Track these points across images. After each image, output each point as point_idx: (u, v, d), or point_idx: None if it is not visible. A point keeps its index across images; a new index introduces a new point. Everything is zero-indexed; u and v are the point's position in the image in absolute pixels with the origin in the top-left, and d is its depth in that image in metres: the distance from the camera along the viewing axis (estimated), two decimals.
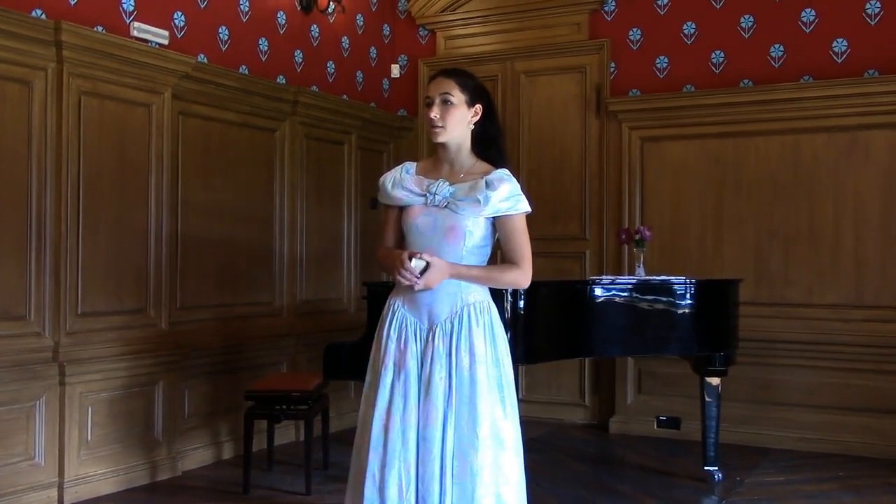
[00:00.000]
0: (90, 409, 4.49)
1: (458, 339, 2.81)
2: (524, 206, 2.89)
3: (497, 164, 2.94)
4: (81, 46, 4.41)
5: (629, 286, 4.63)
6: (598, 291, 4.55)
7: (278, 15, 6.00)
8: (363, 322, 4.45)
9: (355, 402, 6.38)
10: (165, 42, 5.05)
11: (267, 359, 5.64)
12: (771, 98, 5.81)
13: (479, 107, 2.93)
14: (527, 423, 6.28)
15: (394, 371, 2.84)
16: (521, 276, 2.91)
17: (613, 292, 4.58)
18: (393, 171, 3.04)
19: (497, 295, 3.87)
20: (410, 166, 3.02)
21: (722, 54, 6.08)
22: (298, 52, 6.21)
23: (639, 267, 5.08)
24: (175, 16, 5.19)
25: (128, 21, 4.88)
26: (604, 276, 5.25)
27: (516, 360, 4.18)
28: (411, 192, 2.93)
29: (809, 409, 5.65)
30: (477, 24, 6.91)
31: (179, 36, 5.22)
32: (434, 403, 2.78)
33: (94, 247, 4.53)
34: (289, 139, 5.92)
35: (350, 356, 4.08)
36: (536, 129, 6.70)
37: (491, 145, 2.97)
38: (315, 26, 6.35)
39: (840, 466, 5.19)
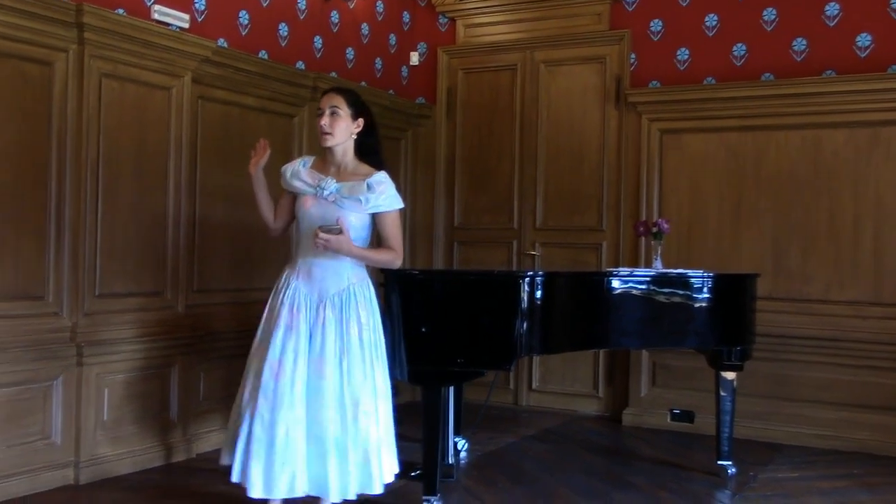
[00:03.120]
0: (106, 391, 4.52)
1: (348, 311, 3.50)
2: (398, 204, 3.59)
3: (377, 168, 3.59)
4: (103, 29, 4.42)
5: (647, 279, 4.62)
6: (615, 283, 4.53)
7: (298, 1, 5.99)
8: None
9: None
10: (186, 26, 5.06)
11: None
12: (792, 92, 5.77)
13: (361, 120, 3.61)
14: (540, 414, 6.41)
15: (285, 331, 3.48)
16: (395, 258, 3.63)
17: (631, 284, 4.56)
18: (293, 162, 3.71)
19: (515, 286, 3.93)
20: (308, 160, 3.69)
21: (744, 47, 6.03)
22: (318, 38, 6.20)
23: (656, 260, 5.06)
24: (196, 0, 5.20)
25: (149, 4, 4.88)
26: (621, 268, 5.24)
27: (532, 350, 4.24)
28: (305, 183, 3.59)
29: (825, 405, 5.63)
30: (497, 13, 6.88)
31: (200, 20, 5.22)
32: (328, 361, 3.45)
33: (112, 229, 4.55)
34: (307, 125, 5.92)
35: None
36: (555, 120, 6.68)
37: (370, 153, 3.64)
38: (335, 12, 6.34)
39: (855, 464, 5.17)
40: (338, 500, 3.49)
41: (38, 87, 4.25)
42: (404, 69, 7.14)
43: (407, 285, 4.20)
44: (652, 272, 4.74)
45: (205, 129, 5.15)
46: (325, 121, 3.55)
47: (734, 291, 4.83)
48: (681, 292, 4.67)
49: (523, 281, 4.09)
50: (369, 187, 3.51)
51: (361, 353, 3.51)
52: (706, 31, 6.15)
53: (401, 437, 5.49)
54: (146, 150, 4.74)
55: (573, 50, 6.61)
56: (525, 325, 4.05)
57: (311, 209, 3.57)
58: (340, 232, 3.40)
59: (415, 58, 7.17)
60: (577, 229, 6.58)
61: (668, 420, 6.06)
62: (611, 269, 4.94)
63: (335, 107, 3.56)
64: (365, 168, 3.61)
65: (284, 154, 5.76)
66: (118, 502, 4.08)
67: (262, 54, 5.68)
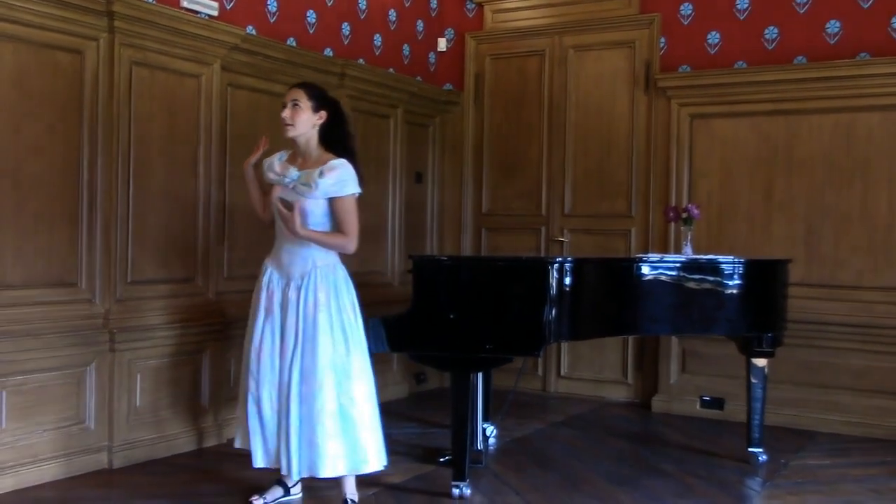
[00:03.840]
0: (139, 376, 4.57)
1: (306, 292, 3.69)
2: (351, 189, 3.70)
3: (342, 157, 3.72)
4: (133, 17, 4.44)
5: (677, 265, 4.58)
6: (645, 269, 4.50)
7: None
8: (408, 295, 4.46)
9: (398, 375, 6.46)
10: (215, 13, 5.08)
11: None
12: (826, 75, 5.68)
13: (323, 112, 3.76)
14: (569, 400, 6.40)
15: (264, 316, 3.78)
16: (347, 243, 3.74)
17: (660, 270, 4.54)
18: (273, 155, 3.87)
19: (544, 272, 3.92)
20: (283, 154, 3.87)
21: (776, 30, 5.95)
22: (346, 24, 6.20)
23: (686, 245, 5.02)
24: None
25: None
26: (651, 254, 5.21)
27: (560, 336, 4.23)
28: (275, 174, 3.79)
29: (858, 392, 5.56)
30: None
31: (228, 7, 5.23)
32: (287, 342, 3.70)
33: (143, 216, 4.59)
34: None
35: (394, 329, 4.09)
36: (583, 105, 6.63)
37: (338, 143, 3.78)
38: None
39: (889, 451, 5.11)
40: (293, 478, 3.84)
41: (70, 76, 4.29)
42: (432, 55, 7.13)
43: (435, 272, 4.21)
44: (682, 258, 4.71)
45: (234, 116, 5.18)
46: (286, 113, 3.74)
47: (765, 277, 4.78)
48: (711, 278, 4.63)
49: (552, 267, 4.07)
50: (321, 173, 3.67)
51: (315, 334, 3.67)
52: (737, 15, 6.07)
53: (429, 424, 5.56)
54: (176, 137, 4.77)
55: (602, 34, 6.56)
56: (554, 311, 4.04)
57: (275, 198, 3.77)
58: (291, 209, 3.63)
59: (442, 44, 7.15)
60: (606, 215, 6.54)
61: (698, 407, 6.03)
62: (640, 255, 4.90)
63: (295, 100, 3.74)
64: (328, 157, 3.76)
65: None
66: (151, 486, 4.13)
67: (291, 41, 5.69)
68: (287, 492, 3.95)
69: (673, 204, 6.01)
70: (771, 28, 5.96)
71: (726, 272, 4.64)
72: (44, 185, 4.20)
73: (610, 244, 6.47)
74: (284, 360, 3.71)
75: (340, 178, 3.69)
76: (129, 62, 4.50)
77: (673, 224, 5.89)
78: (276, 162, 3.84)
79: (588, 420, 5.89)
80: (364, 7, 6.35)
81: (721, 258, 4.73)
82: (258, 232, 5.34)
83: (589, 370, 6.61)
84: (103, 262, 4.44)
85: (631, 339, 6.39)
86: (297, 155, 3.84)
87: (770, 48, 5.97)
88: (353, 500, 3.83)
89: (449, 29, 7.15)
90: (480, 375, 4.75)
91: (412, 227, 6.77)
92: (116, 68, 4.44)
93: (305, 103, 3.74)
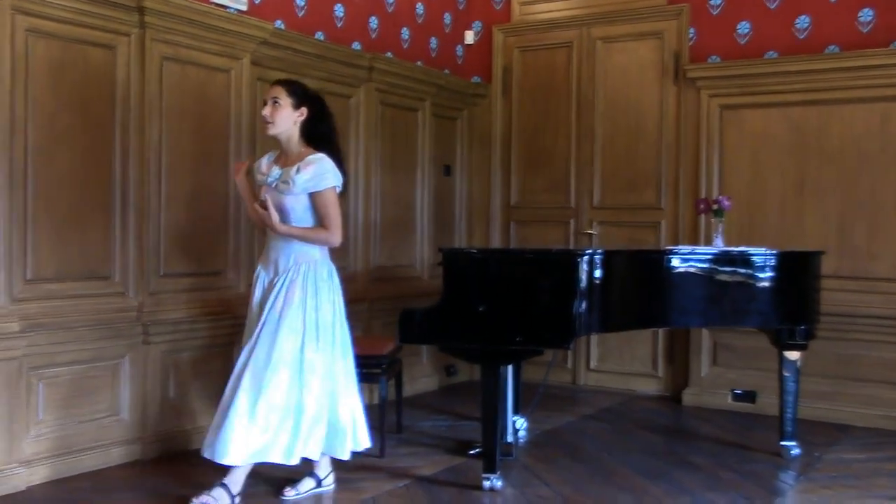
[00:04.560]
0: (172, 368, 4.62)
1: (281, 287, 3.69)
2: (328, 183, 3.68)
3: (320, 151, 3.71)
4: (163, 12, 4.47)
5: (708, 257, 4.55)
6: (675, 261, 4.48)
7: None
8: (436, 288, 4.46)
9: (428, 367, 6.47)
10: (244, 8, 5.10)
11: None
12: (858, 65, 5.60)
13: (304, 109, 3.74)
14: (599, 393, 6.38)
15: (254, 308, 3.81)
16: (329, 237, 3.73)
17: (691, 262, 4.51)
18: (262, 157, 3.91)
19: (573, 265, 3.91)
20: (272, 155, 3.88)
21: (807, 19, 5.87)
22: (374, 18, 6.21)
23: (716, 237, 4.98)
24: None
25: None
26: (681, 246, 5.18)
27: (590, 328, 4.22)
28: (262, 174, 3.82)
29: (892, 386, 5.49)
30: None
31: (257, 2, 5.26)
32: (261, 332, 3.67)
33: (175, 210, 4.63)
34: (364, 106, 5.94)
35: (424, 322, 4.10)
36: (611, 97, 6.60)
37: (321, 140, 3.76)
38: None
39: None
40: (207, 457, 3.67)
41: (102, 72, 4.33)
42: (459, 48, 7.12)
43: (465, 264, 4.21)
44: (713, 250, 4.68)
45: None
46: (266, 111, 3.74)
47: (798, 269, 4.73)
48: (743, 270, 4.60)
49: (582, 259, 4.06)
50: (298, 169, 3.67)
51: (278, 328, 3.65)
52: (767, 4, 6.00)
53: (459, 416, 5.57)
54: (207, 131, 4.80)
55: (630, 26, 6.52)
56: (584, 303, 4.03)
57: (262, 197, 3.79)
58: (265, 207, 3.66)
59: (470, 37, 7.14)
60: (635, 207, 6.51)
61: (730, 400, 5.98)
62: (671, 248, 4.87)
63: (275, 97, 3.73)
64: (308, 152, 3.75)
65: (342, 135, 5.79)
66: (184, 476, 4.17)
67: (319, 35, 5.71)
68: (318, 484, 3.98)
69: (703, 195, 5.96)
70: (802, 17, 5.89)
71: (758, 264, 4.60)
72: (77, 179, 4.24)
73: (639, 236, 6.44)
74: (252, 350, 3.68)
75: (317, 173, 3.68)
76: (159, 57, 4.54)
77: (703, 216, 5.85)
78: (264, 163, 3.87)
79: (618, 413, 5.87)
80: (391, 1, 6.36)
81: (753, 250, 4.69)
82: None
83: (619, 363, 6.58)
84: (136, 255, 4.48)
85: (661, 331, 6.36)
86: (281, 153, 3.85)
87: (801, 37, 5.90)
88: (225, 485, 3.67)
89: (476, 21, 7.13)
90: (510, 368, 4.74)
91: (441, 221, 6.77)
92: (147, 63, 4.48)
93: (285, 100, 3.73)
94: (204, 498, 3.62)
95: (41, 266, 4.10)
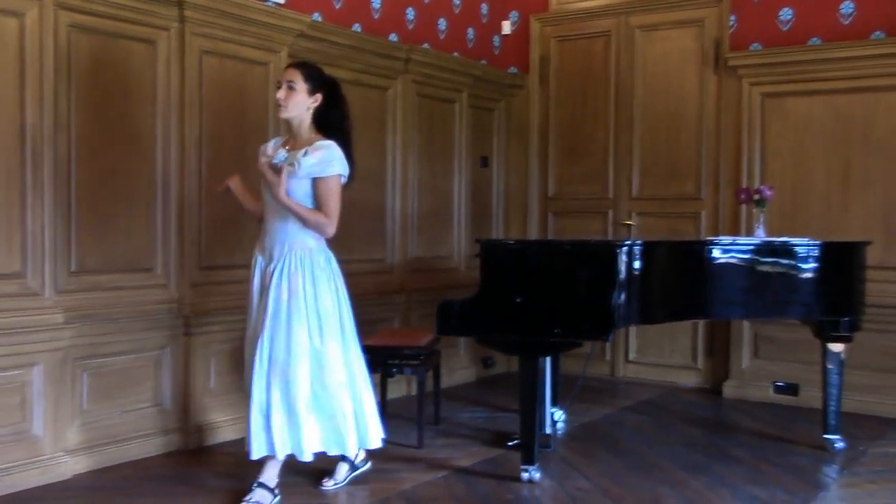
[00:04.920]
0: (213, 359, 4.67)
1: (281, 277, 3.62)
2: (334, 170, 3.62)
3: (331, 139, 3.65)
4: (202, 6, 4.51)
5: (750, 247, 4.50)
6: (716, 252, 4.42)
7: None
8: (473, 279, 4.45)
9: (465, 359, 6.47)
10: (282, 1, 5.12)
11: (379, 314, 5.72)
12: None
13: (319, 95, 3.67)
14: (638, 385, 6.33)
15: (253, 296, 3.74)
16: (326, 224, 3.65)
17: (732, 253, 4.45)
18: (268, 141, 3.87)
19: (612, 256, 3.88)
20: (279, 139, 3.84)
21: (851, 5, 5.76)
22: (410, 9, 6.20)
23: (758, 228, 4.92)
24: None
25: None
26: (723, 237, 5.11)
27: (630, 320, 4.18)
28: (267, 157, 3.69)
29: None
30: None
31: None
32: (263, 324, 3.62)
33: (215, 203, 4.66)
34: (401, 97, 5.95)
35: (462, 313, 4.09)
36: (651, 87, 6.53)
37: (332, 127, 3.70)
38: None
39: None
40: (253, 457, 3.64)
41: (142, 66, 4.38)
42: (496, 38, 7.09)
43: (503, 255, 4.20)
44: (755, 240, 4.62)
45: None
46: (280, 94, 3.66)
47: (842, 260, 4.65)
48: (785, 261, 4.53)
49: (621, 250, 4.02)
50: (305, 153, 3.61)
51: (289, 320, 3.60)
52: None
53: (497, 408, 5.57)
54: (246, 124, 4.83)
55: (669, 14, 6.44)
56: (623, 295, 3.99)
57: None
58: (278, 172, 3.56)
59: (507, 27, 7.10)
60: (675, 198, 6.44)
61: (771, 393, 5.91)
62: (711, 238, 4.82)
63: (291, 81, 3.65)
64: (317, 138, 3.68)
65: (379, 127, 5.83)
66: (226, 466, 4.21)
67: (356, 27, 5.71)
68: (353, 468, 4.00)
69: (744, 185, 5.87)
70: (846, 2, 5.77)
71: (801, 255, 4.53)
72: (120, 172, 4.30)
73: (679, 227, 6.37)
74: (257, 343, 3.63)
75: (323, 159, 3.60)
76: (198, 51, 4.57)
77: (744, 206, 5.76)
78: (270, 146, 3.79)
79: (657, 405, 5.82)
80: None
81: (795, 240, 4.62)
82: None
83: (658, 355, 6.53)
84: (177, 247, 4.53)
85: (701, 323, 6.29)
86: (290, 137, 3.79)
87: (846, 23, 5.78)
88: (264, 484, 3.68)
89: (513, 11, 7.09)
90: (548, 359, 4.73)
91: (478, 212, 6.76)
92: (187, 57, 4.52)
93: (301, 85, 3.64)
94: None
95: (85, 258, 4.16)
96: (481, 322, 4.09)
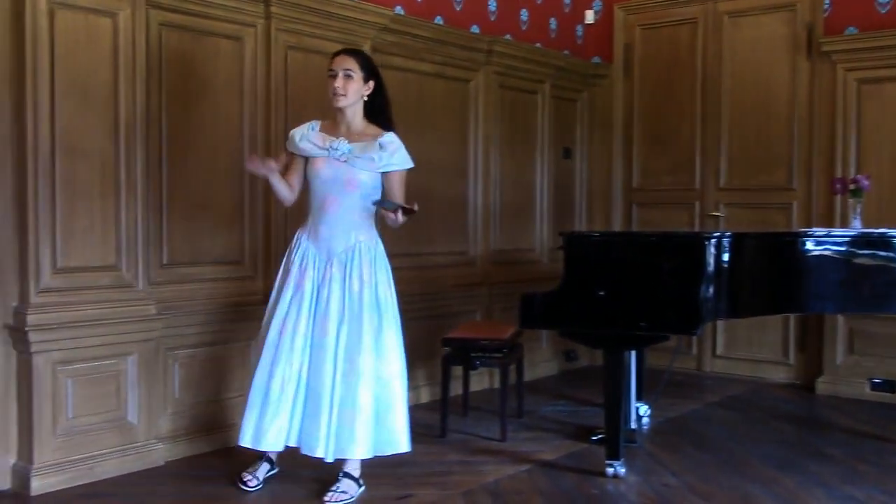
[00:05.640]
0: None
1: (351, 268, 3.62)
2: (408, 163, 3.70)
3: (385, 128, 3.70)
4: (288, 2, 4.57)
5: (846, 239, 4.35)
6: (810, 244, 4.29)
7: None
8: (556, 272, 4.40)
9: (549, 352, 6.43)
10: None
11: (461, 307, 5.72)
12: None
13: (371, 82, 3.69)
14: (725, 381, 6.18)
15: (294, 289, 3.66)
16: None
17: (827, 245, 4.31)
18: (301, 126, 3.77)
19: (700, 247, 3.79)
20: (315, 124, 3.76)
21: None
22: (492, 0, 6.17)
23: (854, 219, 4.74)
24: None
25: None
26: (816, 228, 4.95)
27: (718, 314, 4.08)
28: (315, 145, 3.69)
29: None
30: None
31: None
32: (332, 318, 3.60)
33: (303, 195, 4.71)
34: (483, 89, 5.92)
35: (545, 306, 4.05)
36: (739, 74, 6.35)
37: (380, 114, 3.74)
38: None
39: None
40: (327, 459, 3.60)
41: (230, 63, 4.46)
42: (579, 28, 6.99)
43: (587, 248, 4.15)
44: (851, 232, 4.45)
45: None
46: (338, 82, 3.63)
47: None
48: (883, 253, 4.36)
49: (710, 242, 3.93)
50: (381, 146, 3.63)
51: (360, 311, 3.60)
52: None
53: (580, 402, 5.51)
54: (330, 117, 4.86)
55: None
56: (711, 288, 3.90)
57: (322, 170, 3.67)
58: (396, 210, 3.53)
59: (590, 16, 7.00)
60: (765, 188, 6.25)
61: (868, 390, 5.69)
62: (804, 230, 4.66)
63: (348, 69, 3.64)
64: (373, 129, 3.71)
65: (461, 119, 5.82)
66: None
67: (438, 20, 5.71)
68: (273, 467, 3.89)
69: (839, 175, 5.67)
70: None
71: None
72: (208, 167, 4.39)
73: (769, 218, 6.19)
74: (326, 336, 3.59)
75: (401, 153, 3.69)
76: (284, 47, 4.64)
77: (839, 196, 5.56)
78: (312, 133, 3.72)
79: (746, 401, 5.68)
80: None
81: (895, 231, 4.43)
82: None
83: (746, 350, 6.36)
84: (263, 240, 4.61)
85: (792, 317, 6.10)
86: (338, 125, 3.73)
87: None
88: (351, 475, 3.70)
89: (597, 0, 6.99)
90: (633, 353, 4.65)
91: (560, 204, 6.69)
92: (273, 53, 4.59)
93: (357, 73, 3.65)
94: (340, 496, 3.63)
95: (175, 251, 4.27)
96: (564, 315, 4.04)
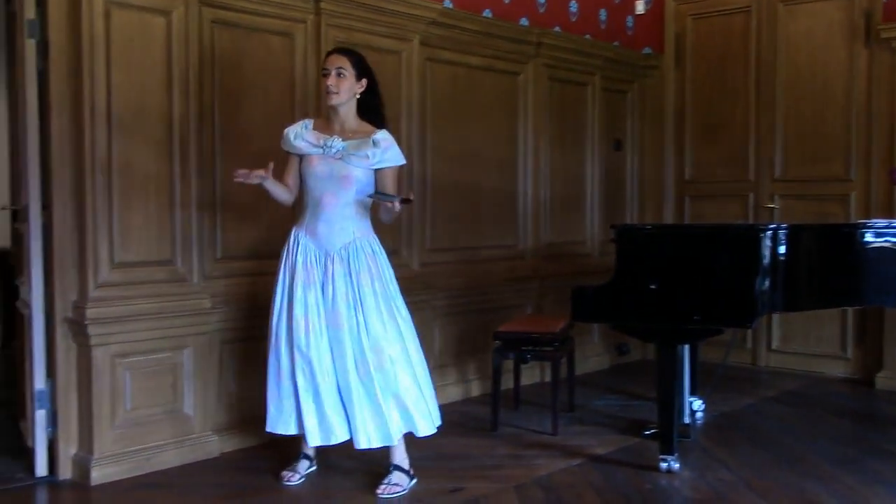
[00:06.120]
0: None
1: (356, 262, 3.66)
2: (401, 160, 3.77)
3: (378, 126, 3.75)
4: None
5: None
6: (869, 236, 4.19)
7: None
8: (606, 266, 4.38)
9: (600, 346, 6.39)
10: None
11: (512, 300, 5.71)
12: None
13: (364, 81, 3.74)
14: (781, 375, 6.09)
15: (304, 287, 3.67)
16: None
17: (887, 237, 4.20)
18: (295, 125, 3.82)
19: (755, 240, 3.73)
20: (308, 122, 3.81)
21: None
22: None
23: None
24: None
25: None
26: (876, 220, 4.83)
27: (774, 307, 4.02)
28: (309, 143, 3.73)
29: None
30: None
31: None
32: (340, 312, 3.63)
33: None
34: (532, 82, 5.89)
35: (597, 299, 4.03)
36: (794, 63, 6.23)
37: (373, 111, 3.79)
38: None
39: None
40: (364, 447, 3.66)
41: (281, 59, 4.50)
42: (629, 19, 6.92)
43: (639, 240, 4.10)
44: None
45: (433, 90, 5.26)
46: (331, 81, 3.68)
47: None
48: None
49: (765, 234, 3.87)
50: (375, 143, 3.68)
51: (376, 301, 3.66)
52: None
53: (632, 396, 5.46)
54: None
55: None
56: (767, 281, 3.84)
57: (317, 167, 3.71)
58: (394, 201, 3.58)
59: (640, 6, 6.92)
60: (822, 179, 6.12)
61: None
62: (864, 221, 4.56)
63: (341, 68, 3.68)
64: (367, 126, 3.75)
65: (510, 112, 5.80)
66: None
67: (486, 13, 5.69)
68: (312, 463, 3.95)
69: None
70: None
71: None
72: (260, 163, 4.39)
73: (825, 210, 6.06)
74: (340, 330, 3.62)
75: (394, 150, 3.73)
76: (333, 42, 4.65)
77: None
78: (305, 131, 3.76)
79: (803, 396, 5.57)
80: None
81: None
82: (457, 204, 5.44)
83: (803, 344, 6.24)
84: None
85: (851, 311, 5.97)
86: (331, 123, 3.77)
87: None
88: (401, 467, 3.75)
89: None
90: (687, 347, 4.60)
91: (611, 197, 6.64)
92: (323, 49, 4.60)
93: (350, 71, 3.69)
94: (392, 488, 3.67)
95: (228, 246, 4.33)
96: (617, 308, 4.01)
